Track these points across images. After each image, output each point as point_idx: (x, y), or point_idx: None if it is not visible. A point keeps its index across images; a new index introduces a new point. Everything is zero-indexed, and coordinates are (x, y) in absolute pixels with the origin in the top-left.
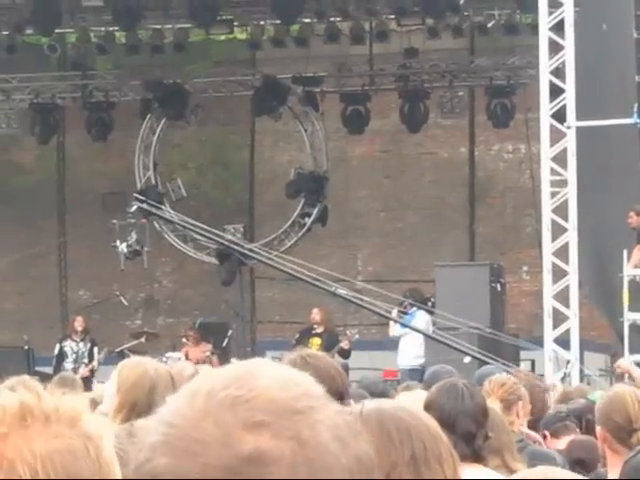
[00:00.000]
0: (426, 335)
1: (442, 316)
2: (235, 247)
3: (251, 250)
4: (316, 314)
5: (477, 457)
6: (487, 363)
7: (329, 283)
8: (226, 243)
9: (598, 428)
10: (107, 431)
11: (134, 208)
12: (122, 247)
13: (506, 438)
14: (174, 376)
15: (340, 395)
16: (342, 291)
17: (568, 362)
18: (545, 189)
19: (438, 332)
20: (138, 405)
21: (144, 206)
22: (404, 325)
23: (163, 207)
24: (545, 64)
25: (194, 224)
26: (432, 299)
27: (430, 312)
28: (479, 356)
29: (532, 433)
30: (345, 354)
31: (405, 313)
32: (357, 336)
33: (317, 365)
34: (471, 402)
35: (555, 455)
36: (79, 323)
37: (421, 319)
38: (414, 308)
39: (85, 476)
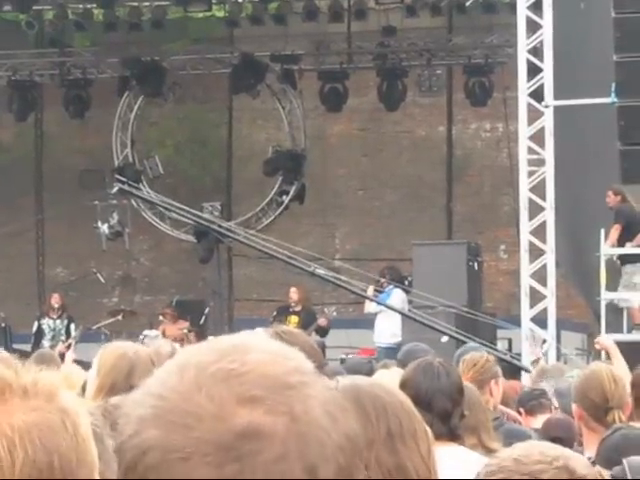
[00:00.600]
0: (401, 313)
1: (419, 295)
2: (215, 227)
3: (229, 230)
4: (294, 293)
5: (453, 436)
6: (464, 342)
7: (307, 263)
8: (206, 224)
9: (574, 406)
10: (82, 407)
11: (115, 189)
12: (104, 228)
13: (482, 416)
14: (153, 357)
15: None
16: (321, 271)
17: (544, 341)
18: (522, 168)
19: (414, 311)
20: (116, 387)
21: (125, 187)
22: (379, 303)
23: (143, 188)
24: (523, 43)
25: (175, 205)
26: (409, 278)
27: (406, 291)
28: (456, 335)
29: (511, 412)
30: (323, 332)
31: (381, 291)
32: (335, 314)
33: (292, 342)
34: (447, 380)
35: (531, 433)
36: (55, 300)
37: (397, 297)
38: (390, 286)
39: (63, 450)
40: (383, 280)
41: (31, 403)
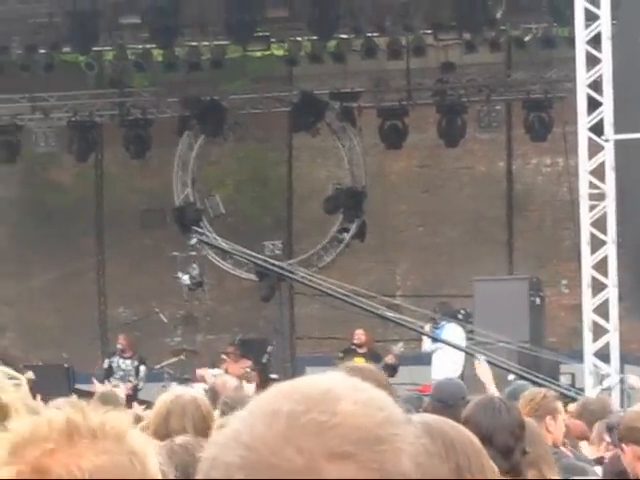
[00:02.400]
0: (458, 348)
1: (479, 331)
2: (285, 273)
3: (293, 272)
4: (361, 335)
5: (515, 471)
6: (525, 378)
7: (374, 305)
8: (286, 274)
9: (626, 446)
10: (151, 447)
11: (194, 241)
12: (185, 278)
13: (542, 451)
14: (200, 401)
15: None
16: (389, 314)
17: (607, 376)
18: (583, 202)
19: (474, 347)
20: (157, 432)
21: (203, 238)
22: (435, 339)
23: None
24: (582, 77)
25: (253, 255)
26: (462, 311)
27: (462, 325)
28: (516, 370)
29: (563, 449)
30: (391, 370)
31: (437, 328)
32: (402, 349)
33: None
34: (508, 416)
35: (588, 469)
36: (120, 341)
37: (450, 332)
38: (443, 322)
39: None
40: (437, 317)
41: (100, 445)
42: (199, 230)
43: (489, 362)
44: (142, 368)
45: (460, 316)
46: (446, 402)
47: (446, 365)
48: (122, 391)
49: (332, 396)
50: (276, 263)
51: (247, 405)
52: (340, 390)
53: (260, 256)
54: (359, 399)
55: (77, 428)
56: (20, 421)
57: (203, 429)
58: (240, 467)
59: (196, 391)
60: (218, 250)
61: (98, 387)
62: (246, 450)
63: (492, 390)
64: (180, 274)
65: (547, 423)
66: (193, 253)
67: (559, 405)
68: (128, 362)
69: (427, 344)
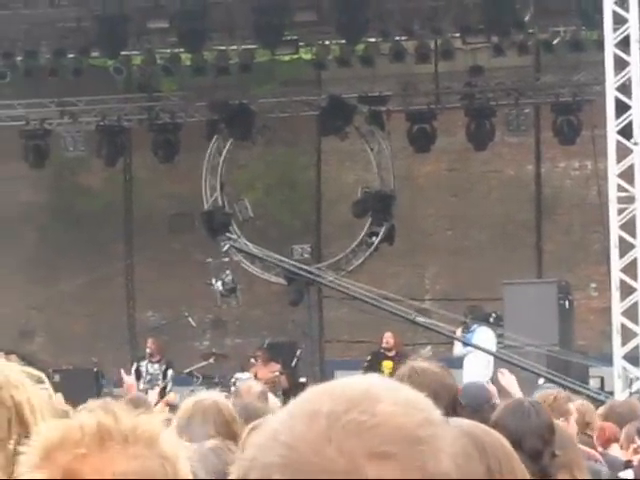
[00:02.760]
0: (488, 352)
1: (508, 335)
2: (315, 278)
3: (321, 276)
4: (389, 338)
5: (544, 475)
6: (554, 382)
7: (400, 308)
8: (316, 278)
9: None
10: (182, 451)
11: (226, 247)
12: (218, 285)
13: (574, 454)
14: (222, 405)
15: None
16: (421, 318)
17: (636, 379)
18: (612, 206)
19: (502, 351)
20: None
21: (236, 244)
22: (466, 344)
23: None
24: (611, 80)
25: (285, 261)
26: (493, 314)
27: (493, 328)
28: (545, 374)
29: (586, 449)
30: None
31: (468, 332)
32: (430, 353)
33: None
34: (537, 420)
35: (601, 469)
36: (148, 345)
37: (482, 336)
38: (475, 325)
39: None
40: (467, 321)
41: (131, 450)
42: (231, 236)
43: (518, 366)
44: (170, 372)
45: (491, 319)
46: (472, 406)
47: (477, 369)
48: (153, 397)
49: (371, 396)
50: (306, 268)
51: (286, 406)
52: (379, 391)
53: (290, 261)
54: (398, 400)
55: (109, 432)
56: (51, 424)
57: (228, 433)
58: (280, 467)
59: (219, 395)
60: (249, 255)
61: (126, 379)
62: (286, 450)
63: (516, 394)
64: (213, 281)
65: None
66: (226, 259)
67: (571, 406)
68: (156, 366)
69: (458, 348)
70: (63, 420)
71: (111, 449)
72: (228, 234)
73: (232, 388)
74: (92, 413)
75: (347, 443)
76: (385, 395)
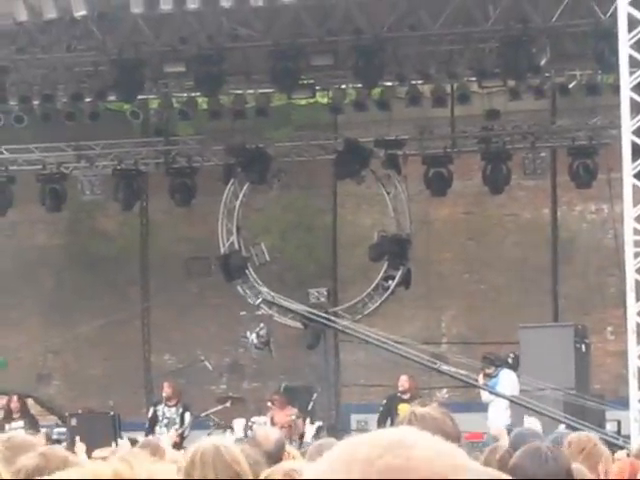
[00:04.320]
0: (509, 399)
1: (524, 378)
2: (333, 325)
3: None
4: (405, 382)
5: None
6: (573, 427)
7: (414, 352)
8: (334, 325)
9: None
10: None
11: (259, 300)
12: (252, 338)
13: None
14: (225, 449)
15: None
16: (445, 367)
17: None
18: (628, 249)
19: (519, 397)
20: None
21: (268, 297)
22: (491, 392)
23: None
24: (627, 124)
25: (310, 311)
26: (511, 355)
27: (514, 369)
28: (561, 419)
29: None
30: None
31: (490, 377)
32: (447, 396)
33: (430, 424)
34: (555, 465)
35: None
36: (165, 389)
37: (507, 379)
38: (497, 370)
39: None
40: (490, 369)
41: None
42: (264, 290)
43: (535, 410)
44: (187, 415)
45: (510, 360)
46: None
47: (500, 413)
48: (167, 439)
49: (405, 443)
50: (330, 318)
51: (323, 456)
52: (412, 438)
53: (321, 313)
54: (432, 446)
55: None
56: (66, 473)
57: (230, 476)
58: None
59: (222, 439)
60: (281, 308)
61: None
62: None
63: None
64: (248, 333)
65: (599, 470)
66: (259, 313)
67: (606, 449)
68: (173, 410)
69: (485, 395)
70: (78, 469)
71: None
72: (261, 288)
73: (249, 432)
74: (108, 461)
75: None
76: (418, 442)
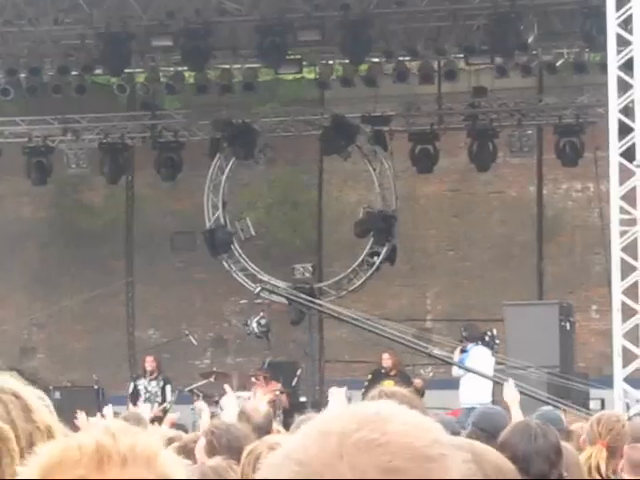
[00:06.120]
0: (485, 376)
1: (506, 357)
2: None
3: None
4: (387, 359)
5: None
6: (554, 406)
7: (388, 331)
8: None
9: None
10: (182, 470)
11: (258, 290)
12: (253, 326)
13: (579, 475)
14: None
15: None
16: (437, 351)
17: (638, 401)
18: (614, 228)
19: (498, 375)
20: None
21: (267, 287)
22: (460, 367)
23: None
24: (614, 103)
25: (306, 299)
26: (488, 333)
27: (490, 347)
28: (545, 399)
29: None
30: (419, 393)
31: (464, 351)
32: (431, 373)
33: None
34: (544, 442)
35: None
36: (149, 363)
37: (476, 355)
38: (470, 345)
39: None
40: (464, 335)
41: (130, 471)
42: (263, 279)
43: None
44: (168, 388)
45: (487, 338)
46: (489, 432)
47: (474, 389)
48: (146, 411)
49: (381, 417)
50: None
51: (300, 429)
52: (389, 412)
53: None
54: (408, 421)
55: (107, 453)
56: (50, 444)
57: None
58: None
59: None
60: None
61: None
62: (299, 466)
63: (515, 411)
64: (248, 322)
65: (624, 451)
66: (259, 301)
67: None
68: (154, 383)
69: (455, 369)
70: (61, 440)
71: (109, 470)
72: (261, 278)
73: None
74: (90, 433)
75: (358, 459)
76: (395, 416)
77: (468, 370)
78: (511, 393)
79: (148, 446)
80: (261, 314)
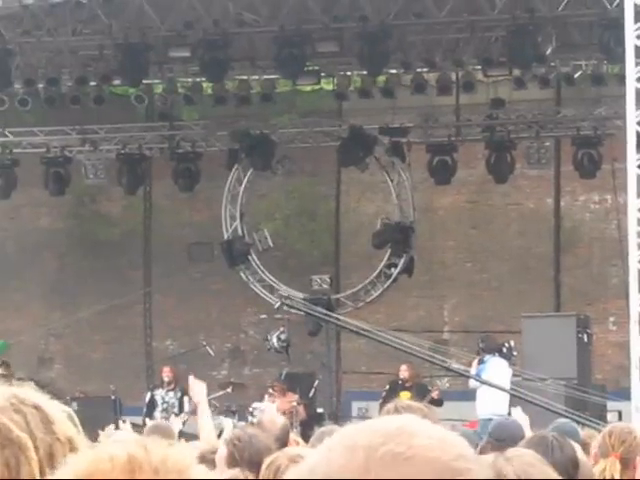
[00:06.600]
0: (502, 389)
1: (523, 370)
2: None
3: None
4: (404, 371)
5: None
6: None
7: (405, 343)
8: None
9: None
10: None
11: (278, 304)
12: (273, 340)
13: None
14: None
15: None
16: (456, 365)
17: None
18: (632, 240)
19: (516, 388)
20: None
21: (287, 302)
22: (476, 379)
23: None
24: (632, 114)
25: (331, 315)
26: (506, 345)
27: (507, 358)
28: (560, 411)
29: None
30: (437, 403)
31: (481, 362)
32: (447, 385)
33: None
34: (561, 454)
35: None
36: (166, 373)
37: (494, 367)
38: (488, 356)
39: None
40: (481, 346)
41: None
42: (283, 294)
43: (532, 403)
44: (186, 399)
45: (504, 349)
46: (505, 442)
47: (490, 401)
48: (177, 425)
49: (407, 431)
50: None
51: (324, 442)
52: (414, 426)
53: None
54: (433, 435)
55: (139, 464)
56: (81, 455)
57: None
58: None
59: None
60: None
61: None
62: None
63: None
64: (268, 336)
65: (636, 463)
66: (279, 316)
67: None
68: (171, 394)
69: (472, 381)
70: (93, 450)
71: None
72: (281, 294)
73: (249, 418)
74: (122, 444)
75: (385, 474)
76: (420, 430)
77: (483, 382)
78: (519, 418)
79: (180, 459)
80: (281, 329)
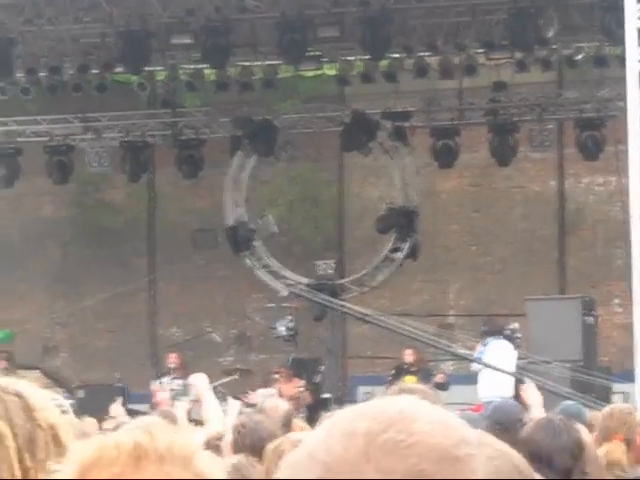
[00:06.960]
0: (504, 372)
1: (529, 352)
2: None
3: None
4: (409, 355)
5: None
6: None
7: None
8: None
9: None
10: (219, 469)
11: (285, 292)
12: (281, 329)
13: (599, 473)
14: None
15: None
16: (461, 351)
17: None
18: (635, 221)
19: (520, 370)
20: None
21: (295, 290)
22: (478, 362)
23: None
24: (633, 96)
25: (346, 306)
26: (510, 327)
27: (510, 340)
28: (566, 394)
29: None
30: (441, 387)
31: (483, 345)
32: (452, 368)
33: None
34: (568, 438)
35: None
36: (172, 360)
37: (495, 349)
38: (490, 339)
39: None
40: (484, 329)
41: (166, 470)
42: (290, 282)
43: (540, 387)
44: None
45: (507, 332)
46: (504, 424)
47: (493, 383)
48: (182, 411)
49: (407, 416)
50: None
51: (322, 426)
52: (414, 410)
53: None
54: (434, 419)
55: (145, 451)
56: (87, 442)
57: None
58: None
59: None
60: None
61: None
62: (324, 469)
63: (538, 414)
64: (276, 325)
65: (638, 443)
66: (286, 304)
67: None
68: (179, 382)
69: (474, 363)
70: (99, 438)
71: (147, 468)
72: (287, 281)
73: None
74: (128, 431)
75: (385, 462)
76: (420, 415)
77: (485, 365)
78: (533, 395)
79: (186, 445)
80: (289, 317)
